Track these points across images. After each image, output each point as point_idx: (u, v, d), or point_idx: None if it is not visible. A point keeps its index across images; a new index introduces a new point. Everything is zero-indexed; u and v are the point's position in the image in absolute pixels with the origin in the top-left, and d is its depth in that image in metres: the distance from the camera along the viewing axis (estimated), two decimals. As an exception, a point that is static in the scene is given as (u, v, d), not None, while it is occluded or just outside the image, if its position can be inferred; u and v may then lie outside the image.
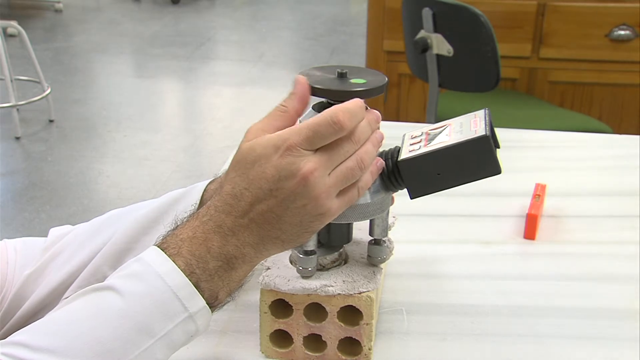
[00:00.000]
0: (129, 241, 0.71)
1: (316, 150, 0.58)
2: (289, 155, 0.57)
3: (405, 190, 0.65)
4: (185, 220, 0.61)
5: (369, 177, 0.62)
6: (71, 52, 5.02)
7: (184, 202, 0.73)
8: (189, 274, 0.56)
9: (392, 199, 0.69)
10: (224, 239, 0.58)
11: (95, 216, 0.77)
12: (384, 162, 0.64)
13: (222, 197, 0.59)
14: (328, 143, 0.58)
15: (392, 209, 0.70)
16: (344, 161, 0.59)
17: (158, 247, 0.58)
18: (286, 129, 0.58)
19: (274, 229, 0.58)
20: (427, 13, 2.04)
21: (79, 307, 0.56)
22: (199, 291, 0.57)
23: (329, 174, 0.58)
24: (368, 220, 0.68)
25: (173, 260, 0.56)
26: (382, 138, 0.63)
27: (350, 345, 0.67)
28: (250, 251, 0.58)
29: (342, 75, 0.63)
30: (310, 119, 0.58)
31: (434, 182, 0.64)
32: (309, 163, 0.57)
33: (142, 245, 0.70)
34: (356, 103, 0.59)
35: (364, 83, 0.63)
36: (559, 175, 1.11)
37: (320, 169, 0.57)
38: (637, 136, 1.25)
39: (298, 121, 0.63)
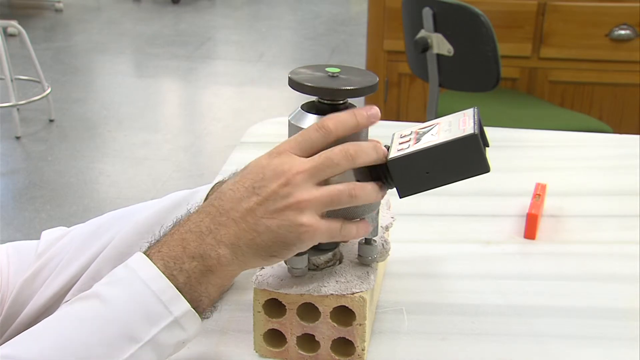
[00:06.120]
0: (129, 245, 0.71)
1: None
2: (279, 158, 0.58)
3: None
4: (170, 225, 0.61)
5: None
6: (71, 52, 5.01)
7: (186, 205, 0.72)
8: (169, 276, 0.56)
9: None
10: (200, 238, 0.57)
11: (96, 216, 0.76)
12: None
13: (209, 200, 0.60)
14: (320, 153, 0.59)
15: (392, 209, 0.70)
16: (335, 186, 0.59)
17: (144, 253, 0.58)
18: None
19: (250, 230, 0.57)
20: (427, 13, 2.04)
21: (64, 316, 0.56)
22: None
23: (317, 188, 0.58)
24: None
25: (154, 263, 0.56)
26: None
27: (345, 345, 0.67)
28: (225, 252, 0.57)
29: (332, 75, 0.64)
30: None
31: (423, 181, 0.63)
32: (295, 166, 0.57)
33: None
34: (348, 113, 0.60)
35: (339, 72, 0.64)
36: (559, 175, 1.11)
37: (305, 172, 0.57)
38: (637, 136, 1.24)
39: (287, 120, 0.65)
